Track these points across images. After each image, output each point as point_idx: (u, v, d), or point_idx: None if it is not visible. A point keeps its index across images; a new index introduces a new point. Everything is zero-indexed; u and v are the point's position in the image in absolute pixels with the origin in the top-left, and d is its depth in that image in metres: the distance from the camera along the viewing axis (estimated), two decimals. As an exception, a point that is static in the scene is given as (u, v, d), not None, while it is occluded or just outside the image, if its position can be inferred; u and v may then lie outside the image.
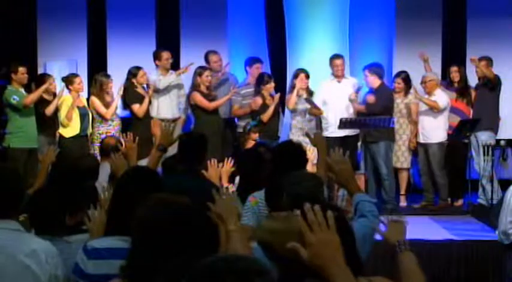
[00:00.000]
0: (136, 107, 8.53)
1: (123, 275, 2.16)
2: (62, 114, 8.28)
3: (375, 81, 8.61)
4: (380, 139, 8.50)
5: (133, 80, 8.61)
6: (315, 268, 1.99)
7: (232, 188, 5.26)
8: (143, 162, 5.13)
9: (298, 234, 2.03)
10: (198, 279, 1.62)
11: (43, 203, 3.26)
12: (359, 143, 8.77)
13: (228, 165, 5.50)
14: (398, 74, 8.91)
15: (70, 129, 8.31)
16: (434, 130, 8.63)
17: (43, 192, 3.45)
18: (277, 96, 8.65)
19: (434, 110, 8.58)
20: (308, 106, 8.66)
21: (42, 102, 8.22)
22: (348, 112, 8.69)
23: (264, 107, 8.58)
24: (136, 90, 8.62)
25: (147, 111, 8.64)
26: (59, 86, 8.46)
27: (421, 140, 8.72)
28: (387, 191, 8.51)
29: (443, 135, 8.64)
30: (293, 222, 2.15)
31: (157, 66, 8.87)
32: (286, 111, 9.03)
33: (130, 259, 2.13)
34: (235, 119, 9.13)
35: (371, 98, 8.50)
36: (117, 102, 8.51)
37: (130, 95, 8.57)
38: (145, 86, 8.79)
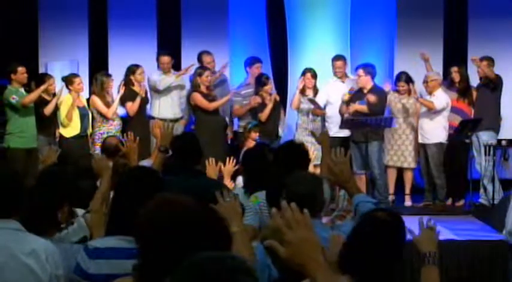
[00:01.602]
0: (129, 104, 8.54)
1: (136, 274, 2.16)
2: (62, 114, 8.28)
3: (369, 82, 8.60)
4: (374, 139, 8.50)
5: (132, 78, 8.63)
6: (294, 266, 1.98)
7: (232, 184, 5.26)
8: (143, 163, 5.13)
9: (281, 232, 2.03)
10: (185, 277, 1.61)
11: (31, 203, 3.24)
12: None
13: (231, 164, 5.49)
14: (399, 78, 8.86)
15: (70, 130, 8.31)
16: (433, 131, 8.62)
17: (31, 192, 3.43)
18: (274, 95, 8.66)
19: (430, 110, 8.57)
20: (311, 106, 8.66)
21: (41, 102, 8.21)
22: (340, 110, 8.67)
23: (263, 107, 8.59)
24: (132, 89, 8.63)
25: (139, 110, 8.61)
26: (59, 86, 8.46)
27: (420, 140, 8.73)
28: (380, 190, 8.51)
29: (441, 136, 8.62)
30: None
31: (158, 67, 8.93)
32: (291, 110, 9.04)
33: (141, 259, 2.13)
34: (228, 119, 9.15)
35: (373, 98, 8.48)
36: (118, 101, 8.50)
37: (125, 93, 8.57)
38: (145, 84, 8.80)
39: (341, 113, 8.62)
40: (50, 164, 5.09)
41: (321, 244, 2.04)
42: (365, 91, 8.57)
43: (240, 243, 2.72)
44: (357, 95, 8.60)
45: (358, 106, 8.53)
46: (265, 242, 2.00)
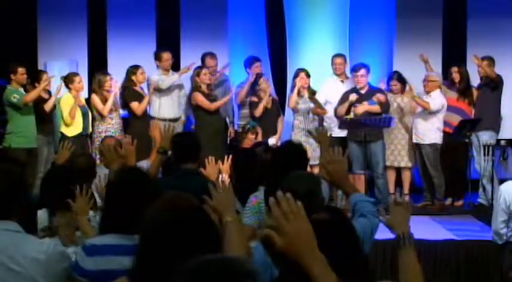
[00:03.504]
0: (135, 105, 8.53)
1: (131, 277, 2.15)
2: (65, 113, 8.28)
3: (366, 82, 8.61)
4: (378, 138, 8.51)
5: (133, 78, 8.62)
6: (290, 256, 1.99)
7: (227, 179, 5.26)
8: (143, 164, 5.14)
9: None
10: (188, 280, 1.59)
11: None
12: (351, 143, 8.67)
13: (228, 163, 5.49)
14: (391, 76, 8.89)
15: (73, 128, 8.31)
16: (427, 131, 8.61)
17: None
18: (267, 92, 8.64)
19: (425, 111, 8.57)
20: (311, 105, 8.64)
21: (38, 101, 8.20)
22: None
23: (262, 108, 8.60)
24: (135, 89, 8.63)
25: (146, 110, 8.65)
26: (57, 85, 8.47)
27: (414, 140, 8.73)
28: (381, 190, 8.51)
29: (435, 137, 8.61)
30: None
31: (157, 66, 8.88)
32: (289, 110, 9.03)
33: (138, 260, 2.12)
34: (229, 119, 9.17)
35: (382, 97, 8.47)
36: (112, 99, 8.46)
37: (129, 94, 8.57)
38: (142, 86, 8.79)
39: (337, 115, 8.58)
40: (63, 161, 5.06)
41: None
42: (362, 91, 8.57)
43: (233, 233, 2.71)
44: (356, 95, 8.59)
45: (369, 106, 8.48)
46: (264, 231, 2.00)
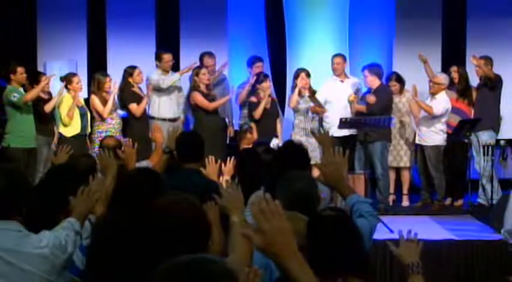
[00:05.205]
0: (134, 106, 8.51)
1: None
2: (63, 113, 8.28)
3: (375, 82, 8.61)
4: (377, 139, 8.50)
5: (130, 79, 8.61)
6: (269, 255, 1.99)
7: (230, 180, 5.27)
8: (142, 164, 5.13)
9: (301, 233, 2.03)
10: (163, 281, 1.58)
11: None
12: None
13: (231, 164, 5.48)
14: (390, 77, 8.91)
15: (71, 129, 8.30)
16: (430, 133, 8.61)
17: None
18: (267, 93, 8.64)
19: (429, 114, 8.57)
20: (310, 104, 8.65)
21: (38, 101, 8.20)
22: (350, 112, 8.70)
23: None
24: (133, 90, 8.61)
25: (145, 111, 8.64)
26: (58, 86, 8.47)
27: (417, 141, 8.74)
28: (382, 191, 8.51)
29: (439, 139, 8.61)
30: (295, 221, 2.14)
31: (157, 66, 8.87)
32: (289, 110, 9.03)
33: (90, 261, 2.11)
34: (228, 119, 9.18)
35: (371, 98, 8.49)
36: (112, 100, 8.46)
37: (127, 95, 8.55)
38: (140, 86, 8.79)
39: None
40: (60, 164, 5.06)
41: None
42: (372, 91, 8.62)
43: (239, 233, 2.73)
44: (366, 95, 8.63)
45: (359, 106, 8.57)
46: (241, 231, 2.02)
